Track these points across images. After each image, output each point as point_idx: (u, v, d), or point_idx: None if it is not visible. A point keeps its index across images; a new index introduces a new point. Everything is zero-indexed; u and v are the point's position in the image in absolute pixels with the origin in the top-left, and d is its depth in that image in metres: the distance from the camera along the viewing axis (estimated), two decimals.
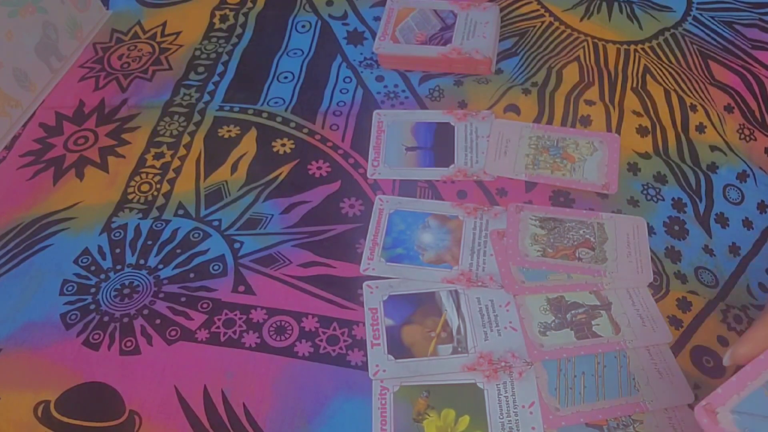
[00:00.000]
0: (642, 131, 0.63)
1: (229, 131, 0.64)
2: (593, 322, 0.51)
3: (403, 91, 0.67)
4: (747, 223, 0.59)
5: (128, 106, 0.67)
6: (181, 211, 0.58)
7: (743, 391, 0.34)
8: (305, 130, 0.64)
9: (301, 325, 0.51)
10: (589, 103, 0.65)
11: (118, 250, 0.55)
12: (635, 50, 0.70)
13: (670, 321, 0.51)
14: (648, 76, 0.68)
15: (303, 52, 0.71)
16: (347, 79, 0.68)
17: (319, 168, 0.61)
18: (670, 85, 0.67)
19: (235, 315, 0.51)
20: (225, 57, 0.71)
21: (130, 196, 0.59)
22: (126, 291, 0.53)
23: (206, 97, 0.67)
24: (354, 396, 0.47)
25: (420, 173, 0.60)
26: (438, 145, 0.62)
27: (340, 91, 0.67)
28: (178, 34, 0.74)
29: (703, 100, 0.66)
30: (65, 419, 0.47)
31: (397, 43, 0.69)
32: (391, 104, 0.66)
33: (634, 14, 0.74)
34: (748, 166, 0.62)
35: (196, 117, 0.65)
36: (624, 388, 0.47)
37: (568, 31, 0.72)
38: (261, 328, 0.51)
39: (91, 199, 0.59)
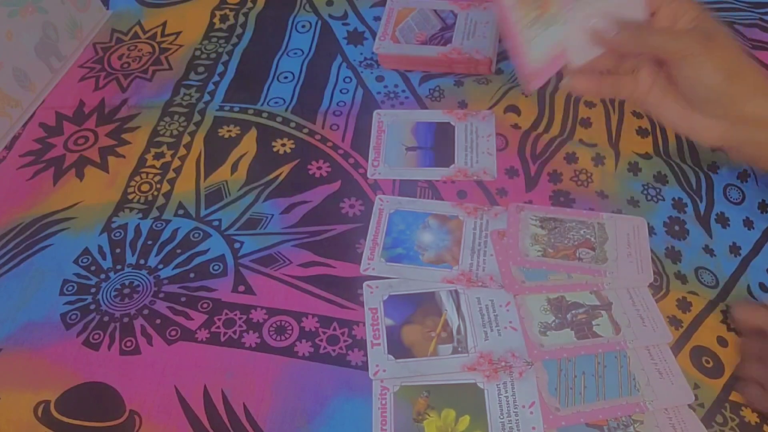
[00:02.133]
0: (642, 132, 0.63)
1: (229, 131, 0.64)
2: (593, 322, 0.51)
3: (404, 91, 0.67)
4: (748, 223, 0.59)
5: (128, 106, 0.67)
6: (181, 211, 0.58)
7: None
8: (305, 130, 0.64)
9: (301, 325, 0.51)
10: (590, 105, 0.65)
11: (118, 250, 0.55)
12: None
13: (670, 321, 0.51)
14: None
15: (303, 52, 0.71)
16: (347, 79, 0.68)
17: (319, 168, 0.61)
18: None
19: (235, 315, 0.51)
20: (225, 57, 0.71)
21: (130, 196, 0.59)
22: (126, 291, 0.53)
23: (206, 97, 0.67)
24: (354, 396, 0.47)
25: (420, 173, 0.60)
26: (438, 145, 0.62)
27: (340, 91, 0.67)
28: (178, 34, 0.74)
29: None
30: (65, 419, 0.47)
31: (397, 43, 0.69)
32: (391, 104, 0.66)
33: None
34: (748, 165, 0.62)
35: (196, 117, 0.65)
36: (624, 388, 0.47)
37: None
38: (261, 328, 0.51)
39: (91, 199, 0.59)
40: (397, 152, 0.62)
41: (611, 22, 0.45)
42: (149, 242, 0.56)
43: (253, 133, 0.64)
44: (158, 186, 0.60)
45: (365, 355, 0.49)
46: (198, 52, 0.72)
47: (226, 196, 0.59)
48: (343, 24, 0.74)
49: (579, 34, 0.46)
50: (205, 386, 0.48)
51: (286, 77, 0.69)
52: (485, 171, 0.60)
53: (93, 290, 0.53)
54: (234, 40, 0.73)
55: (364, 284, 0.53)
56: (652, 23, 0.46)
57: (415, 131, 0.63)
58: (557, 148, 0.62)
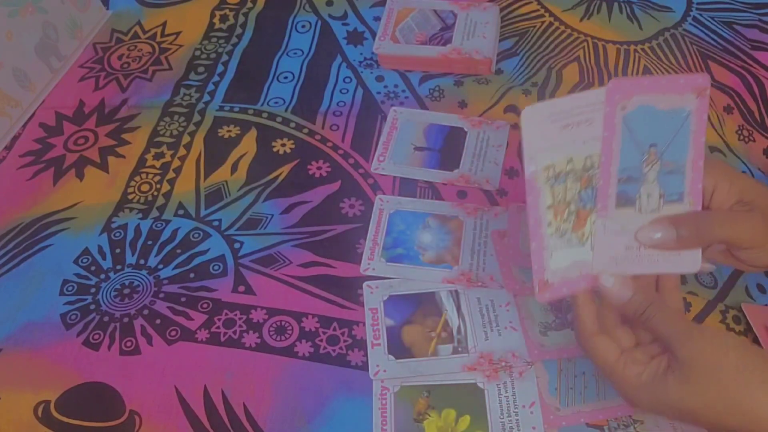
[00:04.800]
0: None
1: (229, 131, 0.64)
2: None
3: (403, 91, 0.67)
4: None
5: (128, 106, 0.67)
6: (181, 211, 0.58)
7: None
8: (305, 130, 0.64)
9: (301, 325, 0.51)
10: None
11: (118, 250, 0.55)
12: (635, 50, 0.71)
13: None
14: None
15: (303, 52, 0.71)
16: (347, 79, 0.68)
17: (319, 168, 0.61)
18: None
19: (235, 315, 0.51)
20: (225, 57, 0.71)
21: (130, 196, 0.59)
22: (126, 291, 0.53)
23: (206, 97, 0.67)
24: (354, 396, 0.47)
25: (423, 173, 0.60)
26: (447, 148, 0.62)
27: (340, 91, 0.67)
28: (178, 34, 0.74)
29: None
30: (65, 419, 0.46)
31: (397, 43, 0.69)
32: (391, 104, 0.66)
33: (634, 14, 0.74)
34: (747, 167, 0.62)
35: (196, 117, 0.65)
36: None
37: (568, 31, 0.72)
38: (261, 328, 0.51)
39: (91, 199, 0.59)
40: (405, 150, 0.62)
41: (666, 226, 0.39)
42: (149, 242, 0.56)
43: (253, 133, 0.64)
44: (158, 186, 0.60)
45: (365, 355, 0.49)
46: (198, 52, 0.72)
47: (226, 196, 0.59)
48: (343, 24, 0.74)
49: (609, 258, 0.40)
50: (205, 386, 0.48)
51: (286, 77, 0.69)
52: (488, 180, 0.60)
53: (93, 290, 0.53)
54: (234, 40, 0.73)
55: (364, 284, 0.53)
56: (706, 213, 0.40)
57: (426, 132, 0.63)
58: None
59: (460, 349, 0.49)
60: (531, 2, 0.76)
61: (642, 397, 0.38)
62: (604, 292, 0.40)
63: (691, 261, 0.40)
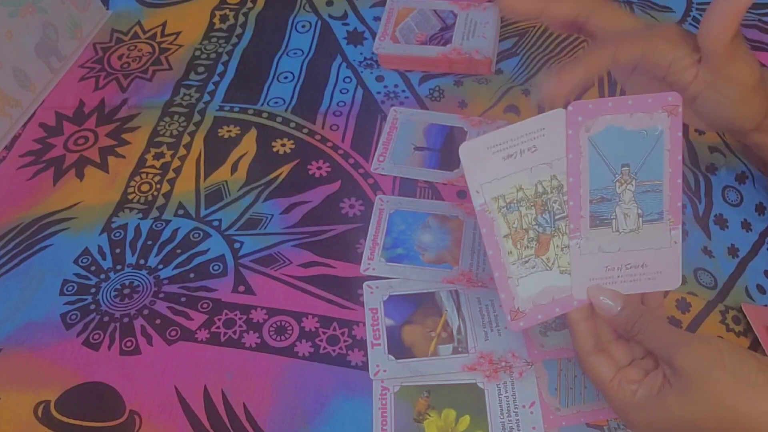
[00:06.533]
0: None
1: (229, 131, 0.64)
2: None
3: (403, 91, 0.67)
4: (746, 225, 0.59)
5: (128, 106, 0.67)
6: (181, 211, 0.58)
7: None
8: (305, 130, 0.64)
9: (301, 325, 0.51)
10: None
11: (118, 250, 0.55)
12: None
13: (670, 322, 0.51)
14: None
15: (303, 52, 0.71)
16: (347, 79, 0.69)
17: (319, 168, 0.61)
18: None
19: (235, 315, 0.52)
20: (225, 57, 0.71)
21: (130, 196, 0.59)
22: (126, 291, 0.53)
23: (206, 97, 0.67)
24: (354, 396, 0.47)
25: (423, 173, 0.60)
26: (446, 148, 0.62)
27: (340, 91, 0.67)
28: (178, 34, 0.74)
29: None
30: (65, 419, 0.47)
31: (397, 43, 0.69)
32: (391, 104, 0.66)
33: (633, 15, 0.74)
34: (747, 167, 0.62)
35: (196, 117, 0.65)
36: None
37: None
38: (261, 328, 0.51)
39: (91, 199, 0.59)
40: (405, 150, 0.62)
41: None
42: (149, 242, 0.56)
43: (253, 133, 0.64)
44: (158, 186, 0.60)
45: (365, 355, 0.49)
46: (198, 52, 0.72)
47: (226, 196, 0.59)
48: (343, 24, 0.74)
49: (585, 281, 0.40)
50: (205, 386, 0.48)
51: (286, 77, 0.69)
52: None
53: (93, 290, 0.53)
54: (234, 40, 0.73)
55: (364, 284, 0.53)
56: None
57: (426, 132, 0.63)
58: None
59: (460, 349, 0.49)
60: None
61: (638, 417, 0.38)
62: (594, 307, 0.40)
63: (671, 279, 0.41)
